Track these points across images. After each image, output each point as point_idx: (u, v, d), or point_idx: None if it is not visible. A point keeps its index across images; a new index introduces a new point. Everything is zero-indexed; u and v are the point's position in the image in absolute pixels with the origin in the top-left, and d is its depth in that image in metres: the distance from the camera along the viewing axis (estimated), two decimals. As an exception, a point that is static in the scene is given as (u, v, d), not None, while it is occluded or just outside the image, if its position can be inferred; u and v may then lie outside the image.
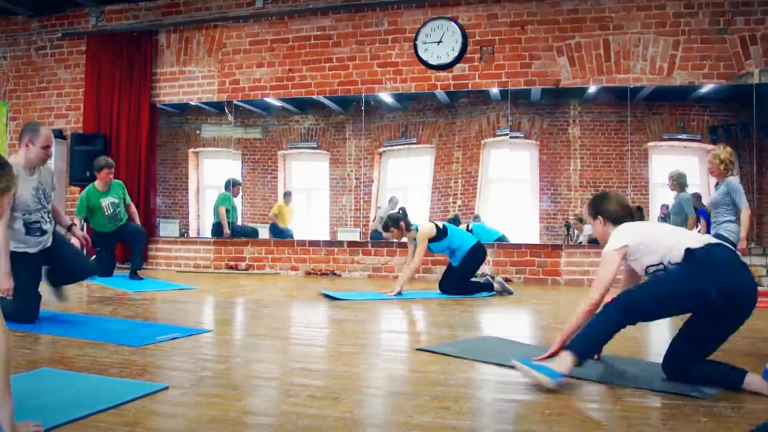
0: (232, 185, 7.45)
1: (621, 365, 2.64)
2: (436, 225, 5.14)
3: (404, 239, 5.36)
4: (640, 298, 2.27)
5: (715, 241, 2.35)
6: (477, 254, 5.19)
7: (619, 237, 2.42)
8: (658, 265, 2.35)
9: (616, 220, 2.54)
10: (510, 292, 5.19)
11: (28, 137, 3.45)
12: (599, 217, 2.59)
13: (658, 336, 3.47)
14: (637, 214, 2.60)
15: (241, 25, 7.26)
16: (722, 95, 6.15)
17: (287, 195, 7.60)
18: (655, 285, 2.31)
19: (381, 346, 3.21)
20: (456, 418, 1.91)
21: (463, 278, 5.19)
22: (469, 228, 6.81)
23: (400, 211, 5.40)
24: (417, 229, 5.13)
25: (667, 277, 2.30)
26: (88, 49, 7.62)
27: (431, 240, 5.07)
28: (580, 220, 6.50)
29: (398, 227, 5.14)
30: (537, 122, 6.68)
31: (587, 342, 2.29)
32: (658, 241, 2.37)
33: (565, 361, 2.24)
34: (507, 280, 6.35)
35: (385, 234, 5.39)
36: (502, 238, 6.61)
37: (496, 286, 5.19)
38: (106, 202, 5.83)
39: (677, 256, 2.29)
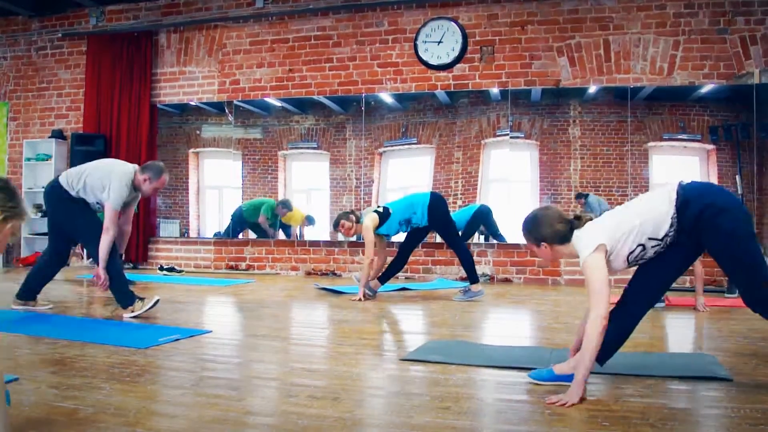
0: (282, 206, 7.39)
1: (632, 359, 2.66)
2: (377, 211, 4.97)
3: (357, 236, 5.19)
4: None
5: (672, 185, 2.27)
6: (438, 206, 4.93)
7: (591, 238, 2.22)
8: (637, 248, 2.24)
9: (564, 239, 2.30)
10: (462, 299, 4.83)
11: (149, 174, 3.90)
12: (543, 244, 2.33)
13: (665, 332, 3.47)
14: (576, 223, 2.31)
15: (242, 25, 7.27)
16: (722, 95, 6.15)
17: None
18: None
19: (381, 346, 3.21)
20: (456, 418, 1.91)
21: (450, 234, 5.02)
22: None
23: (352, 210, 5.27)
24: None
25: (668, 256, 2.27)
26: (88, 49, 7.62)
27: (380, 227, 4.91)
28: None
29: (348, 219, 4.99)
30: (537, 122, 6.67)
31: (606, 348, 2.26)
32: (627, 225, 2.22)
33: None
34: (507, 280, 6.35)
35: (337, 230, 5.17)
36: (478, 212, 6.67)
37: (474, 286, 4.87)
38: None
39: (653, 228, 2.21)
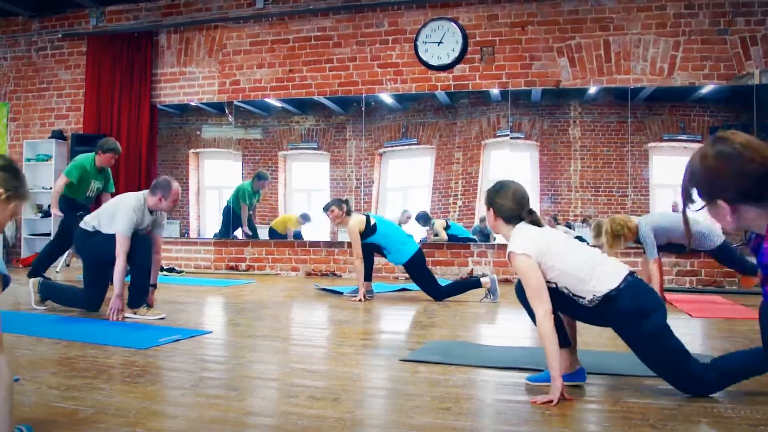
0: (257, 179, 7.36)
1: (632, 359, 2.66)
2: (367, 219, 4.96)
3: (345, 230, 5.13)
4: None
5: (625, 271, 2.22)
6: (416, 265, 4.91)
7: (525, 243, 2.25)
8: (551, 283, 2.24)
9: (508, 219, 2.35)
10: (494, 299, 4.76)
11: (160, 193, 3.85)
12: (491, 210, 2.39)
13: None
14: (527, 216, 2.35)
15: (242, 25, 7.27)
16: (723, 96, 6.16)
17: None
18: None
19: (381, 347, 3.21)
20: (456, 419, 1.91)
21: (431, 287, 4.93)
22: (447, 225, 6.83)
23: (347, 200, 5.25)
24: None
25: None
26: (88, 49, 7.63)
27: (364, 233, 4.90)
28: (584, 221, 6.50)
29: (340, 208, 4.97)
30: (537, 123, 6.68)
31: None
32: (555, 260, 2.22)
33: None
34: (507, 280, 6.35)
35: (326, 213, 5.17)
36: (473, 239, 6.69)
37: (485, 281, 4.81)
38: (94, 184, 5.59)
39: (571, 284, 2.20)
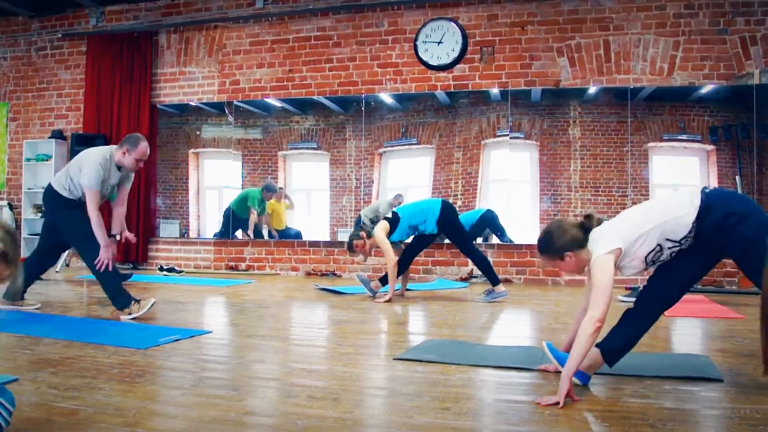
0: (266, 190, 7.41)
1: (630, 359, 2.66)
2: (386, 218, 5.01)
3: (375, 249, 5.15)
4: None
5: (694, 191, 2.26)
6: (447, 214, 4.95)
7: (608, 241, 2.21)
8: (655, 248, 2.24)
9: (582, 242, 2.28)
10: (492, 300, 4.83)
11: (127, 146, 3.84)
12: (566, 254, 2.29)
13: (667, 333, 3.47)
14: (587, 222, 2.31)
15: (242, 25, 7.27)
16: (722, 96, 6.15)
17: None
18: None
19: (381, 347, 3.21)
20: (456, 419, 1.91)
21: (461, 242, 5.08)
22: None
23: (361, 227, 5.30)
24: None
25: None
26: (88, 49, 7.63)
27: (391, 233, 4.94)
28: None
29: (360, 238, 5.01)
30: (537, 123, 6.68)
31: (617, 349, 2.32)
32: (648, 225, 2.22)
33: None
34: (507, 281, 6.35)
35: (352, 254, 5.20)
36: (484, 217, 6.68)
37: (501, 286, 4.90)
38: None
39: (672, 229, 2.21)
